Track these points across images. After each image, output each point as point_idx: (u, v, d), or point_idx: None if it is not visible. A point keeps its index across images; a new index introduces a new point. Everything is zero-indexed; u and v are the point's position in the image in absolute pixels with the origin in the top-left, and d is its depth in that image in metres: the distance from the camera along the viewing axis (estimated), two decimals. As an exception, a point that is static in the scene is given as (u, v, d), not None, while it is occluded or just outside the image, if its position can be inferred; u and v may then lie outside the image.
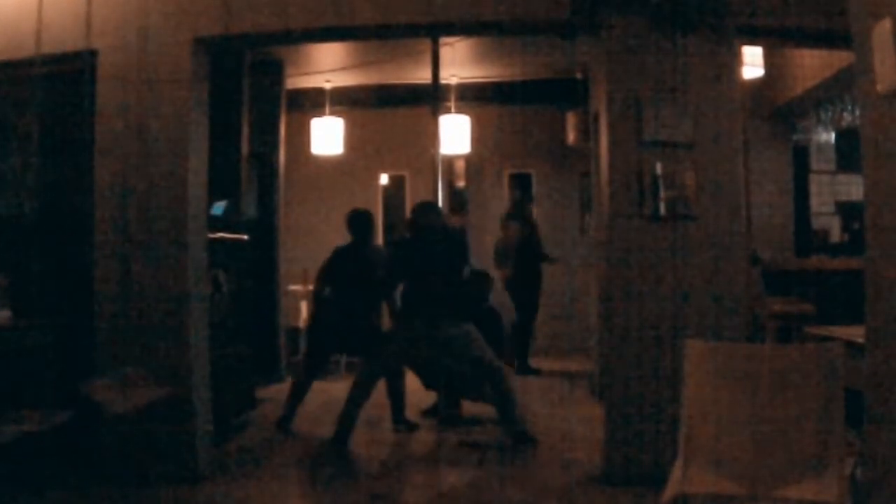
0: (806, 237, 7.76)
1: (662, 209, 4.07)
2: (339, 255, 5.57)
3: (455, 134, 7.82)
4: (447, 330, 4.93)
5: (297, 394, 5.50)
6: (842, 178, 8.07)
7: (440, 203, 5.85)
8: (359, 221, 5.60)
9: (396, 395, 5.41)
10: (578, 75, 7.72)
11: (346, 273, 5.49)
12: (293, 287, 7.61)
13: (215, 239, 5.01)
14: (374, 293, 5.58)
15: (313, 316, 5.75)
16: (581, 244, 8.43)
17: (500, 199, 9.01)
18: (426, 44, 5.88)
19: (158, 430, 4.11)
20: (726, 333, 3.98)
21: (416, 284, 5.08)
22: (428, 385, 5.63)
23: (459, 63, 7.59)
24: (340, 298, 5.47)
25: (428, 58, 5.81)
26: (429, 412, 5.75)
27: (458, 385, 5.47)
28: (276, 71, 7.74)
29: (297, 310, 7.68)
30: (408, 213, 6.16)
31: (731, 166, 4.12)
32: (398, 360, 5.24)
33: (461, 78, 8.23)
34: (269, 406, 5.83)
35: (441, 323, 4.93)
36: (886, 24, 2.25)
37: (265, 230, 7.30)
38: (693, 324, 4.00)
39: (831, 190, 8.11)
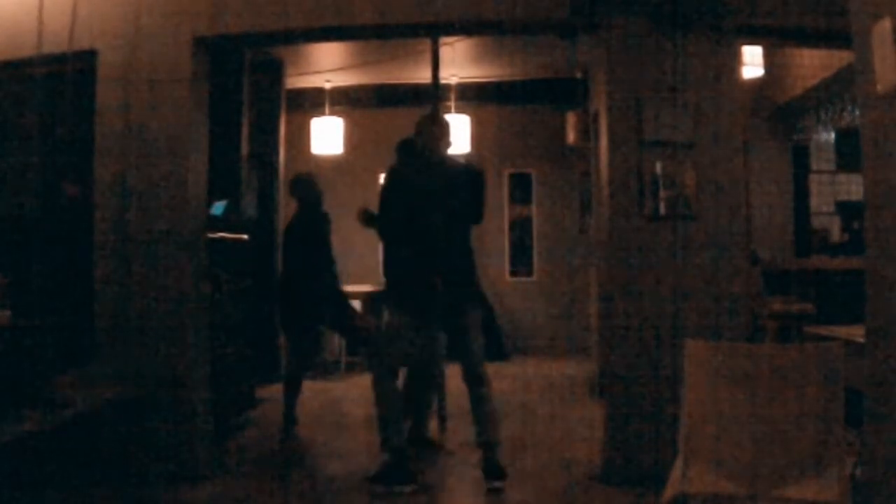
0: (806, 237, 7.76)
1: (662, 209, 4.07)
2: (290, 227, 5.52)
3: (455, 134, 7.81)
4: (462, 308, 4.02)
5: (291, 393, 5.28)
6: (842, 178, 8.06)
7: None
8: (301, 186, 5.49)
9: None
10: (578, 75, 7.72)
11: (301, 243, 5.35)
12: (293, 287, 7.59)
13: (215, 239, 5.01)
14: (331, 258, 5.48)
15: (280, 293, 5.51)
16: (581, 244, 8.43)
17: (500, 199, 9.00)
18: (426, 44, 5.88)
19: (158, 429, 4.12)
20: (726, 333, 3.98)
21: (409, 239, 4.01)
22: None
23: (459, 63, 7.60)
24: (301, 270, 5.29)
25: (428, 58, 5.80)
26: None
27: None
28: (276, 71, 7.75)
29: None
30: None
31: (731, 166, 4.12)
32: (395, 354, 4.17)
33: (461, 78, 8.24)
34: (269, 406, 5.82)
35: (451, 300, 3.95)
36: (886, 23, 2.25)
37: (265, 230, 7.30)
38: (693, 324, 4.00)
39: (831, 190, 8.10)
